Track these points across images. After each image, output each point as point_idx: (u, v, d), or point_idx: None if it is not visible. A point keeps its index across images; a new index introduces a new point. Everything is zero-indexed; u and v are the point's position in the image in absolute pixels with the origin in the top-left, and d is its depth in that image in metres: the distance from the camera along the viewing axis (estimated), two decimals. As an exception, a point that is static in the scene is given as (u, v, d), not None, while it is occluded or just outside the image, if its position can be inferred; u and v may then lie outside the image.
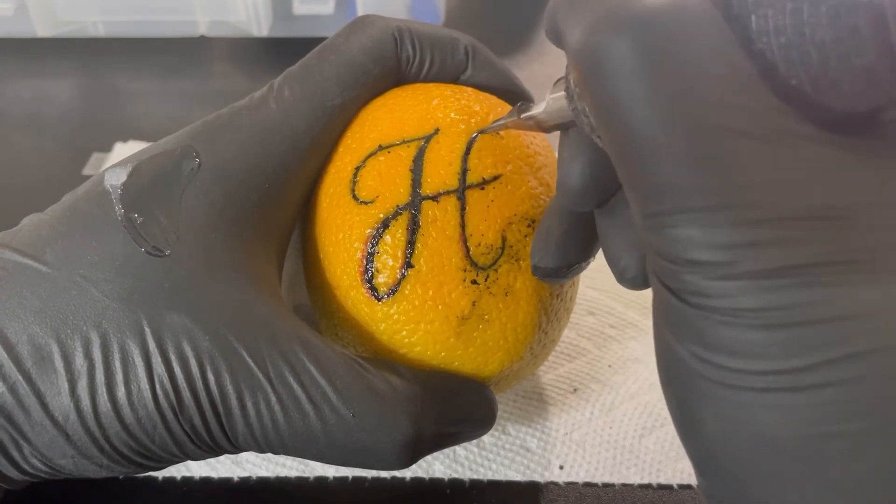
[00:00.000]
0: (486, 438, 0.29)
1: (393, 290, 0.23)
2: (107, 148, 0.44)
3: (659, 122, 0.14)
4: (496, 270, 0.23)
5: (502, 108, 0.26)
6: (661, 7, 0.15)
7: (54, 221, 0.22)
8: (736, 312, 0.14)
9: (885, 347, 0.14)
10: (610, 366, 0.32)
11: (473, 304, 0.23)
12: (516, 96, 0.28)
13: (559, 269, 0.23)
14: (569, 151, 0.20)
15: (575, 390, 0.31)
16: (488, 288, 0.23)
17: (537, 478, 0.28)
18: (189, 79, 0.51)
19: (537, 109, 0.21)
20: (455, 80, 0.27)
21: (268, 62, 0.52)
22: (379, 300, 0.23)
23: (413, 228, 0.23)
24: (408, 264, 0.23)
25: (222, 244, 0.22)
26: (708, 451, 0.16)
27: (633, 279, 0.20)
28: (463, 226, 0.23)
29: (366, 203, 0.24)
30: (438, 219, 0.23)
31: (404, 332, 0.23)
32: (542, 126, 0.21)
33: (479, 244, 0.23)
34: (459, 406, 0.24)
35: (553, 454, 0.29)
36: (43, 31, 0.51)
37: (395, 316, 0.23)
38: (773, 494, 0.15)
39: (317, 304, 0.26)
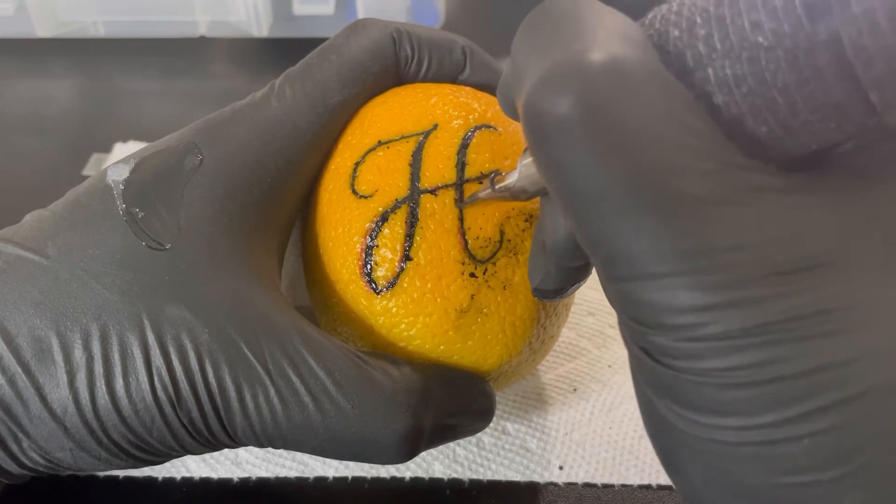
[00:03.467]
0: (485, 438, 0.29)
1: (391, 283, 0.23)
2: (107, 148, 0.44)
3: (607, 188, 0.14)
4: (494, 264, 0.24)
5: (496, 108, 0.26)
6: (604, 64, 0.14)
7: (56, 216, 0.22)
8: (704, 373, 0.14)
9: (857, 395, 0.14)
10: (610, 366, 0.32)
11: (472, 298, 0.23)
12: None
13: (559, 291, 0.22)
14: (550, 218, 0.20)
15: (575, 390, 0.31)
16: (486, 281, 0.23)
17: (537, 478, 0.28)
18: (189, 79, 0.51)
19: (511, 179, 0.21)
20: (453, 80, 0.28)
21: (268, 62, 0.52)
22: (378, 293, 0.23)
23: (412, 221, 0.23)
24: (406, 257, 0.23)
25: (223, 238, 0.22)
26: (693, 496, 0.16)
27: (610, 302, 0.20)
28: (461, 219, 0.23)
29: (365, 197, 0.24)
30: (437, 212, 0.23)
31: (403, 326, 0.23)
32: (517, 196, 0.21)
33: (478, 237, 0.23)
34: (458, 398, 0.24)
35: (553, 454, 0.29)
36: (43, 31, 0.51)
37: (394, 309, 0.23)
38: None
39: (316, 299, 0.26)
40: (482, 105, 0.26)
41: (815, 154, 0.15)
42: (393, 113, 0.25)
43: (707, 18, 0.14)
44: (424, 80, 0.27)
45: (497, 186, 0.22)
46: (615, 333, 0.33)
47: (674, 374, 0.15)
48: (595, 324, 0.34)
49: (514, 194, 0.21)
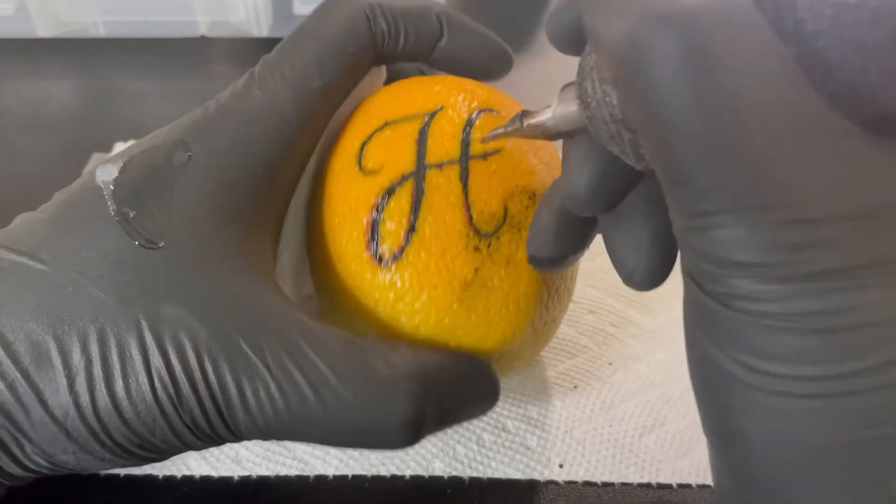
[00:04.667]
0: (485, 436, 0.29)
1: (396, 256, 0.23)
2: (107, 148, 0.44)
3: (706, 120, 0.14)
4: (498, 238, 0.24)
5: (499, 94, 0.27)
6: (709, 8, 0.14)
7: (48, 219, 0.22)
8: (787, 317, 0.14)
9: None
10: (610, 363, 0.32)
11: (476, 271, 0.24)
12: (497, 56, 0.28)
13: (555, 260, 0.23)
14: (576, 159, 0.20)
15: (575, 387, 0.31)
16: (490, 256, 0.24)
17: (537, 476, 0.28)
18: (189, 79, 0.51)
19: (544, 116, 0.21)
20: (432, 48, 0.28)
21: (268, 62, 0.52)
22: (383, 266, 0.24)
23: (417, 195, 0.24)
24: (412, 229, 0.23)
25: (218, 234, 0.22)
26: (749, 462, 0.16)
27: (641, 281, 0.20)
28: (466, 194, 0.24)
29: (372, 173, 0.24)
30: (442, 186, 0.24)
31: (408, 299, 0.24)
32: (547, 133, 0.21)
33: (482, 212, 0.24)
34: (460, 382, 0.24)
35: (553, 452, 0.29)
36: (43, 31, 0.51)
37: (399, 283, 0.24)
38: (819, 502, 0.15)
39: (320, 280, 0.26)
40: (485, 92, 0.26)
41: (887, 121, 0.15)
42: (399, 98, 0.26)
43: None
44: (403, 53, 0.27)
45: (527, 123, 0.21)
46: (615, 331, 0.34)
47: (750, 319, 0.15)
48: (595, 322, 0.34)
49: (545, 131, 0.21)
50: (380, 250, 0.24)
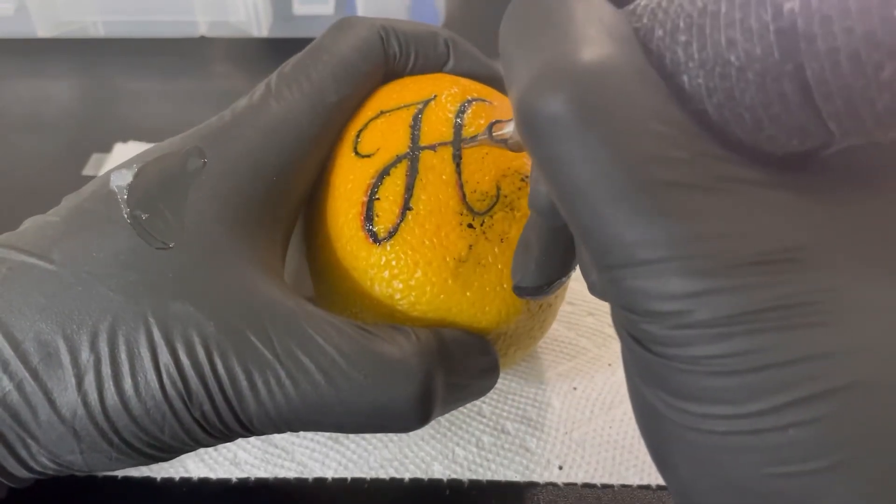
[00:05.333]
0: (484, 438, 0.29)
1: (392, 233, 0.24)
2: (107, 148, 0.44)
3: (599, 179, 0.15)
4: (492, 216, 0.24)
5: (493, 91, 0.28)
6: (594, 65, 0.15)
7: (60, 222, 0.22)
8: (693, 360, 0.15)
9: (842, 387, 0.14)
10: (609, 364, 0.32)
11: (470, 248, 0.24)
12: (497, 82, 0.29)
13: (541, 287, 0.23)
14: (536, 170, 0.20)
15: (574, 389, 0.31)
16: (484, 233, 0.24)
17: (536, 478, 0.28)
18: (189, 79, 0.51)
19: (508, 129, 0.22)
20: (439, 70, 0.29)
21: (268, 62, 0.52)
22: (378, 243, 0.24)
23: (412, 174, 0.24)
24: (406, 207, 0.24)
25: (227, 235, 0.23)
26: (681, 490, 0.16)
27: (601, 293, 0.21)
28: (459, 173, 0.24)
29: (367, 156, 0.25)
30: (436, 166, 0.24)
31: (403, 276, 0.24)
32: (511, 147, 0.22)
33: (475, 191, 0.24)
34: (464, 357, 0.24)
35: (553, 454, 0.29)
36: (43, 31, 0.51)
37: (394, 261, 0.24)
38: None
39: (317, 266, 0.26)
40: (476, 86, 0.27)
41: (797, 156, 0.15)
42: (394, 91, 0.27)
43: (689, 25, 0.15)
44: (412, 73, 0.28)
45: (494, 134, 0.22)
46: (615, 333, 0.33)
47: (663, 362, 0.15)
48: (594, 323, 0.34)
49: (510, 146, 0.22)
50: (375, 228, 0.24)
